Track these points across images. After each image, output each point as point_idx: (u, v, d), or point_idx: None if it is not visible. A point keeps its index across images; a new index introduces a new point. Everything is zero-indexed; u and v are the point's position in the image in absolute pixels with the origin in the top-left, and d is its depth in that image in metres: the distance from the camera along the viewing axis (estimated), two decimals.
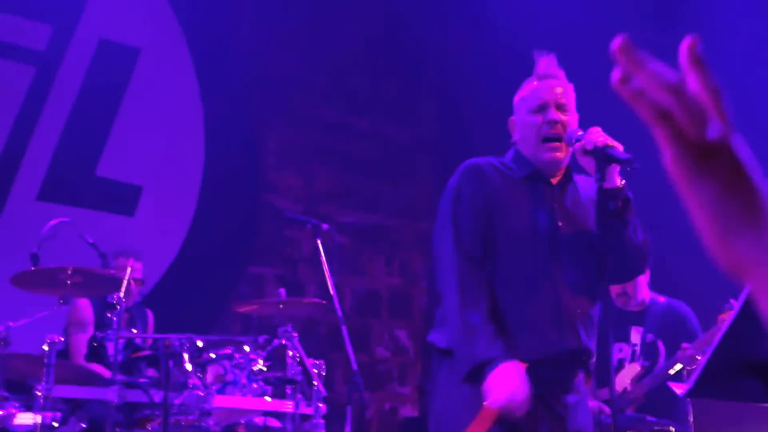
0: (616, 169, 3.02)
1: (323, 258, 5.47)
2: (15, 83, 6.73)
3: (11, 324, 4.63)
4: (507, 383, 2.78)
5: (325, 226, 5.56)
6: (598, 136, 2.97)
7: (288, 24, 7.66)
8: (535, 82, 3.19)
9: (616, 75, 0.83)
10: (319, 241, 5.51)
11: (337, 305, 5.32)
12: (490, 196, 3.08)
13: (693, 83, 0.83)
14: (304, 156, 7.66)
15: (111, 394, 4.47)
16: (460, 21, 7.71)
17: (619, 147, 2.98)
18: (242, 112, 7.46)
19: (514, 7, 7.03)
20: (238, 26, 7.50)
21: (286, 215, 6.78)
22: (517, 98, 3.24)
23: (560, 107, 3.11)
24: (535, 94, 3.15)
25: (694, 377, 2.30)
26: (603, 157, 2.96)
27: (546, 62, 3.22)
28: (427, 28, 7.96)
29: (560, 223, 3.09)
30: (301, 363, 4.88)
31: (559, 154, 3.10)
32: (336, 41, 7.79)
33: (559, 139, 3.07)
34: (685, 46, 0.85)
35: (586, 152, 3.01)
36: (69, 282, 4.67)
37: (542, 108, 3.11)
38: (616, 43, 0.83)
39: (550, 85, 3.17)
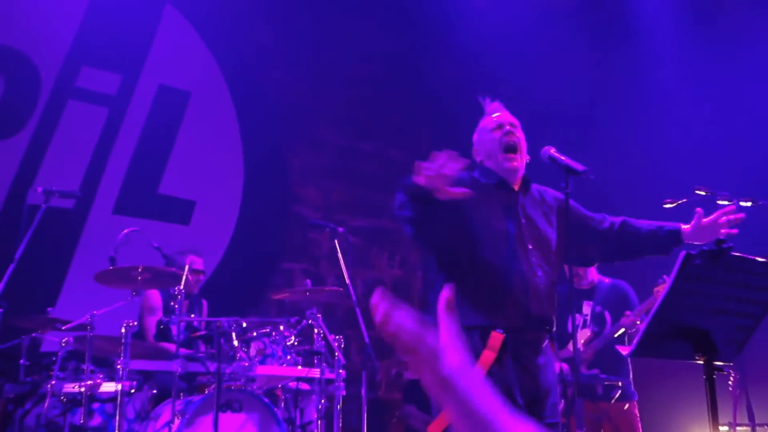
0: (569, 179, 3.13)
1: (339, 255, 5.50)
2: (92, 122, 6.73)
3: (95, 312, 4.67)
4: None
5: (340, 230, 5.58)
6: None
7: (308, 68, 7.67)
8: (485, 117, 3.27)
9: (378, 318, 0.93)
10: (336, 242, 5.54)
11: (351, 292, 5.34)
12: (469, 201, 2.99)
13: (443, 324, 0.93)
14: (322, 174, 7.68)
15: (175, 366, 4.50)
16: (449, 61, 7.71)
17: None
18: (272, 140, 7.48)
19: (491, 50, 7.03)
20: (268, 71, 7.52)
21: (310, 221, 6.78)
22: (476, 133, 3.28)
23: (512, 125, 3.17)
24: (491, 120, 3.22)
25: (636, 340, 2.32)
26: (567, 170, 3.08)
27: (494, 105, 3.28)
28: (422, 68, 7.98)
29: (523, 221, 3.08)
30: (325, 338, 4.89)
31: (516, 164, 3.11)
32: (346, 81, 7.81)
33: (515, 150, 3.11)
34: (443, 300, 0.97)
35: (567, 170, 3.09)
36: (139, 278, 4.69)
37: (499, 126, 3.17)
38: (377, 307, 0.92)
39: (501, 113, 3.24)
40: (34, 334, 4.82)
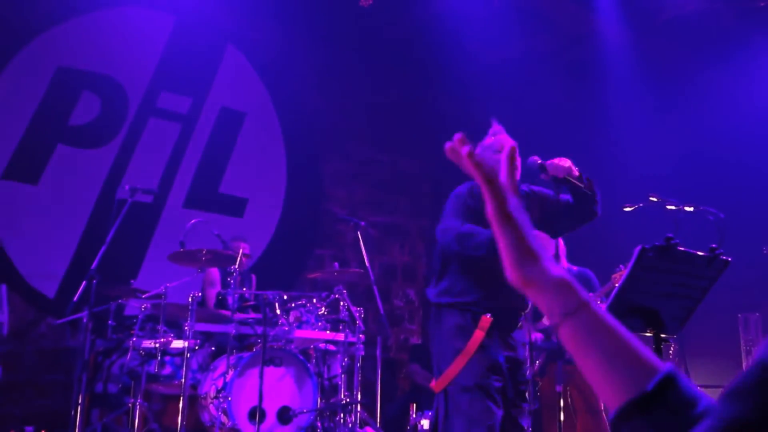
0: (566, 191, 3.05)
1: (361, 243, 5.49)
2: (168, 135, 6.75)
3: (168, 285, 4.69)
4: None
5: (362, 223, 5.57)
6: (560, 170, 2.93)
7: (339, 94, 7.67)
8: (491, 138, 3.08)
9: (464, 151, 0.82)
10: (358, 233, 5.53)
11: (370, 273, 5.34)
12: (477, 202, 2.90)
13: (503, 170, 0.84)
14: (349, 179, 7.68)
15: (230, 329, 4.52)
16: (451, 91, 7.68)
17: (575, 171, 2.95)
18: (309, 151, 7.48)
19: (485, 80, 7.00)
20: (307, 96, 7.51)
21: (338, 216, 6.79)
22: (479, 149, 3.06)
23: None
24: (497, 141, 3.04)
25: None
26: (566, 182, 2.97)
27: (498, 126, 3.11)
28: (429, 95, 7.96)
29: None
30: (348, 309, 4.89)
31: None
32: (369, 105, 7.80)
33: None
34: (506, 149, 0.87)
35: (555, 180, 2.97)
36: (203, 258, 4.71)
37: (503, 145, 2.98)
38: (456, 139, 0.83)
39: (504, 135, 3.08)
40: (119, 301, 4.85)
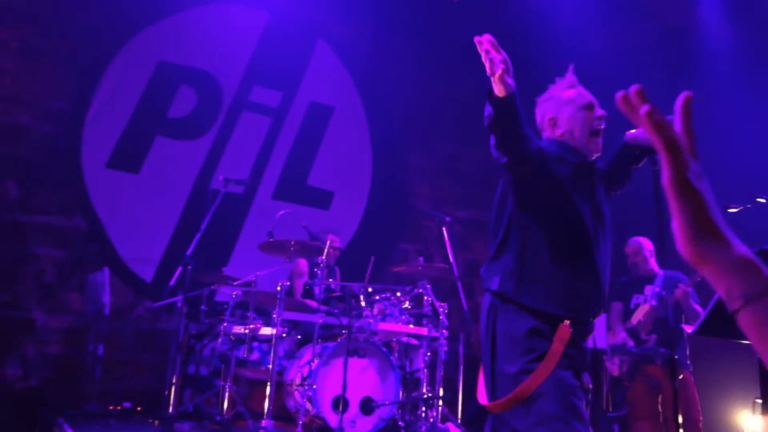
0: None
1: (446, 239, 5.48)
2: (259, 128, 6.94)
3: (258, 273, 4.83)
4: None
5: (447, 219, 5.56)
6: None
7: (424, 90, 7.67)
8: (571, 90, 2.55)
9: (643, 109, 0.75)
10: (443, 228, 5.52)
11: (454, 269, 5.33)
12: (561, 175, 2.38)
13: (678, 127, 0.77)
14: (434, 174, 7.67)
15: (317, 318, 4.60)
16: (548, 75, 7.53)
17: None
18: (395, 146, 7.52)
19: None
20: (394, 92, 7.55)
21: (423, 211, 6.79)
22: (556, 102, 2.54)
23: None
24: (582, 96, 2.52)
25: (698, 322, 2.22)
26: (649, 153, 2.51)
27: (573, 77, 2.60)
28: (523, 83, 7.83)
29: (599, 208, 2.42)
30: (432, 304, 4.89)
31: (600, 148, 2.50)
32: (454, 100, 7.75)
33: (600, 135, 2.48)
34: (681, 99, 0.79)
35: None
36: (291, 249, 4.81)
37: (590, 106, 2.49)
38: (633, 90, 0.76)
39: (586, 90, 2.56)
40: (212, 287, 5.03)
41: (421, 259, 5.44)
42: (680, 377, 4.52)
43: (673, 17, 6.83)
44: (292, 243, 4.76)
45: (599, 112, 2.48)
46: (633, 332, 4.68)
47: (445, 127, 7.72)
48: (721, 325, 2.14)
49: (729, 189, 3.64)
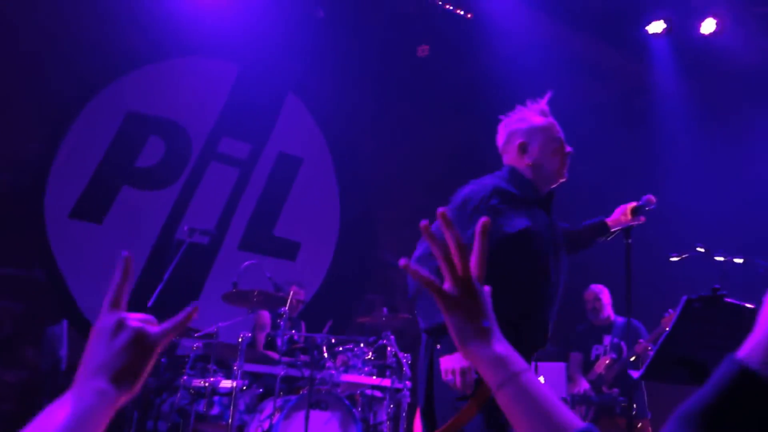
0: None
1: None
2: (227, 178, 6.96)
3: (220, 324, 4.79)
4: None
5: None
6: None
7: (392, 143, 7.79)
8: (546, 118, 2.51)
9: (423, 223, 0.95)
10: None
11: (419, 320, 5.31)
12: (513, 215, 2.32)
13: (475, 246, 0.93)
14: (401, 225, 7.70)
15: (278, 370, 4.56)
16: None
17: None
18: (363, 198, 7.59)
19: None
20: (363, 144, 7.65)
21: (389, 262, 6.81)
22: (529, 125, 2.49)
23: None
24: (555, 127, 2.48)
25: (644, 366, 2.25)
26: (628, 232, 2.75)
27: (546, 103, 2.56)
28: (480, 145, 7.98)
29: (553, 246, 2.40)
30: (396, 355, 4.86)
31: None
32: (422, 154, 7.88)
33: (565, 172, 2.49)
34: (479, 224, 0.95)
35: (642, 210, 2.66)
36: (255, 299, 4.79)
37: (561, 141, 2.47)
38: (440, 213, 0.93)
39: (556, 124, 2.52)
40: (173, 339, 4.95)
41: (385, 309, 5.43)
42: (639, 426, 4.56)
43: (630, 77, 7.09)
44: (255, 294, 4.75)
45: (568, 148, 2.47)
46: (595, 384, 4.71)
47: (412, 179, 7.83)
48: (667, 369, 2.17)
49: (675, 238, 3.76)
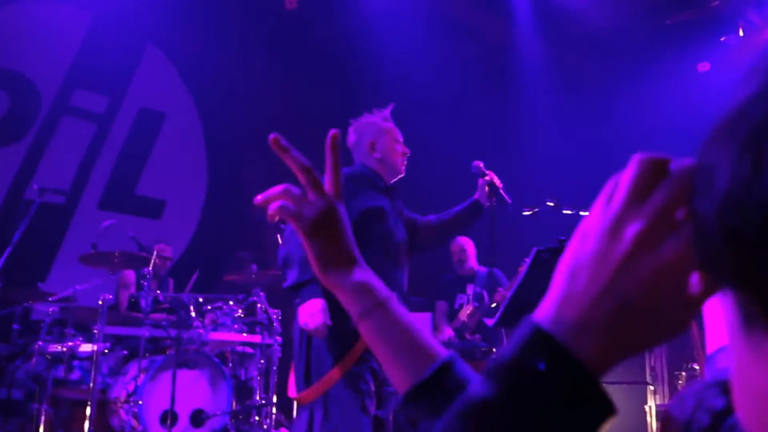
0: (494, 200, 3.07)
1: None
2: (83, 134, 6.55)
3: (77, 287, 4.56)
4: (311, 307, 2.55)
5: (282, 227, 5.50)
6: (497, 180, 3.06)
7: (261, 94, 7.61)
8: (389, 123, 3.02)
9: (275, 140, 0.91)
10: (278, 236, 5.47)
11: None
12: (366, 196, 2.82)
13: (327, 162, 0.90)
14: (271, 183, 7.57)
15: (143, 332, 4.42)
16: (378, 86, 7.71)
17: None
18: (231, 153, 7.39)
19: (402, 88, 7.09)
20: (230, 97, 7.42)
21: (258, 219, 6.69)
22: (378, 127, 3.00)
23: None
24: (397, 132, 3.01)
25: (499, 313, 2.39)
26: (497, 192, 3.05)
27: (389, 112, 3.07)
28: (354, 94, 7.97)
29: (399, 226, 2.92)
30: (266, 312, 4.85)
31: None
32: (293, 107, 7.76)
33: (404, 166, 3.01)
34: (328, 137, 0.94)
35: (491, 185, 3.03)
36: (116, 260, 4.60)
37: (401, 143, 3.00)
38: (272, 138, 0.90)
39: (397, 129, 3.04)
40: (25, 304, 4.67)
41: (254, 266, 5.37)
42: None
43: (493, 36, 7.31)
44: (117, 254, 4.55)
45: (406, 150, 3.00)
46: (459, 331, 4.94)
47: (284, 133, 7.69)
48: (518, 316, 2.31)
49: (528, 192, 3.97)
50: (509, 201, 3.06)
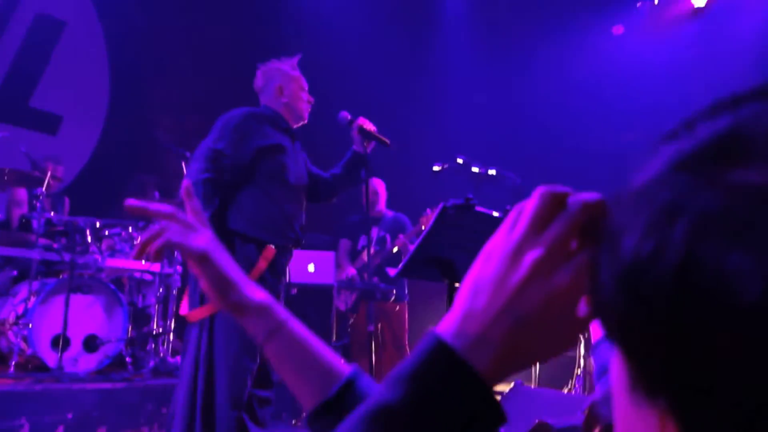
0: (372, 144, 3.16)
1: (185, 174, 5.29)
2: None
3: None
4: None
5: (187, 154, 5.32)
6: (367, 123, 3.12)
7: (170, 12, 7.22)
8: (296, 71, 3.16)
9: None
10: (182, 163, 5.31)
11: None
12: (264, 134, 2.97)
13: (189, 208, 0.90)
14: (177, 108, 7.31)
15: (34, 254, 4.24)
16: (295, 20, 7.49)
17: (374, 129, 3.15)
18: (136, 72, 7.01)
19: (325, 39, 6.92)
20: (136, 8, 6.99)
21: (163, 144, 6.45)
22: (285, 74, 3.14)
23: None
24: (303, 81, 3.15)
25: (401, 264, 2.47)
26: (369, 136, 3.13)
27: (296, 62, 3.20)
28: (267, 24, 7.71)
29: (300, 163, 3.10)
30: None
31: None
32: (203, 29, 7.41)
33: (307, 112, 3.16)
34: (182, 187, 0.94)
35: (361, 130, 3.11)
36: (5, 178, 4.36)
37: (306, 92, 3.15)
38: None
39: (302, 76, 3.18)
40: None
41: (157, 193, 5.21)
42: (396, 309, 5.01)
43: None
44: (6, 172, 4.30)
45: (311, 98, 3.16)
46: (360, 272, 5.04)
47: (191, 60, 7.38)
48: (420, 268, 2.39)
49: (438, 147, 4.07)
50: (388, 141, 3.13)
